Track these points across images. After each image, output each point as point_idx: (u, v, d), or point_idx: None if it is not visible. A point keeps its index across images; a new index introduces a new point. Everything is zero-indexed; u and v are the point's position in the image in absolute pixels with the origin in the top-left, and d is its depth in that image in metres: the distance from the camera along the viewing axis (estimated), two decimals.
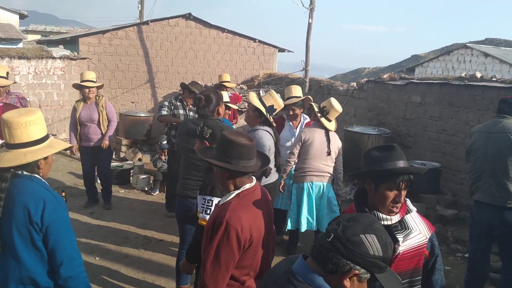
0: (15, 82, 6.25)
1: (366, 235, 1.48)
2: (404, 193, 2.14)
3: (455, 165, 7.04)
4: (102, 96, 6.26)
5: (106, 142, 6.19)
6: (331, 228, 1.53)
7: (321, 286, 1.50)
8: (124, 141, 9.78)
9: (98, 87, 6.19)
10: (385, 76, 8.69)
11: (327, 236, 1.51)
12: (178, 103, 6.25)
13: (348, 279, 1.49)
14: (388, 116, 8.37)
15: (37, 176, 2.31)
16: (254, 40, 12.44)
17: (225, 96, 5.61)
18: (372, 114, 8.76)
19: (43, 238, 2.21)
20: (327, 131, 4.92)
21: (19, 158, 2.22)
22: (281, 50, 13.03)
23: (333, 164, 5.02)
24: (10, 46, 11.59)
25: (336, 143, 5.00)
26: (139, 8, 16.31)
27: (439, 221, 6.24)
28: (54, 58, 9.97)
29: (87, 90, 6.01)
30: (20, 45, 16.56)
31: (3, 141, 2.34)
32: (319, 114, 4.90)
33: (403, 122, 8.04)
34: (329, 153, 4.89)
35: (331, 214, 4.89)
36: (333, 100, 4.98)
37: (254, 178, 2.56)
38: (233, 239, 2.28)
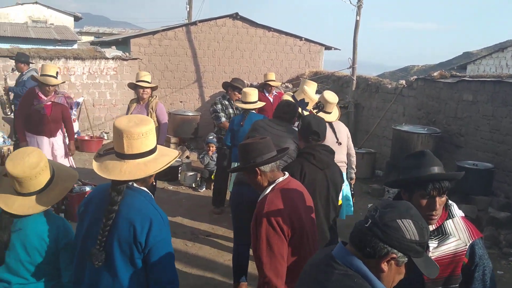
0: (64, 82, 6.45)
1: (402, 220, 1.53)
2: (440, 200, 2.07)
3: (509, 165, 6.77)
4: (155, 97, 6.10)
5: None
6: (369, 215, 1.58)
7: (359, 268, 1.56)
8: (173, 139, 10.03)
9: (152, 88, 6.03)
10: (435, 74, 8.47)
11: (365, 222, 1.57)
12: (227, 103, 6.41)
13: (385, 263, 1.54)
14: (438, 115, 8.15)
15: (145, 189, 2.20)
16: (300, 38, 12.40)
17: (255, 94, 5.68)
18: (422, 112, 8.56)
19: (143, 258, 2.10)
20: (329, 123, 4.92)
21: (141, 170, 2.10)
22: (328, 48, 12.91)
23: (346, 151, 5.04)
24: (65, 47, 12.14)
25: (342, 130, 5.02)
26: (188, 9, 16.61)
27: (491, 224, 6.03)
28: (107, 58, 10.36)
29: (141, 90, 5.86)
30: (75, 46, 17.28)
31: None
32: (315, 110, 4.92)
33: (454, 121, 7.81)
34: (339, 143, 4.92)
35: (347, 202, 4.97)
36: (326, 93, 5.02)
37: (286, 173, 2.68)
38: (277, 228, 2.40)
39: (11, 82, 8.23)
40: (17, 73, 7.83)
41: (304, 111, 4.60)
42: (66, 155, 6.13)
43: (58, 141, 6.04)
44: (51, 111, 5.84)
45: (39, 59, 9.46)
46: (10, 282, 2.24)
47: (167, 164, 2.17)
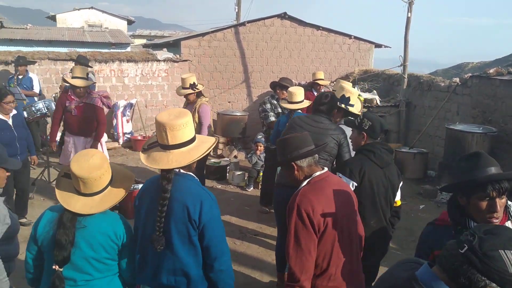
0: (94, 83, 6.48)
1: (506, 251, 1.36)
2: (500, 201, 1.99)
3: None
4: (202, 98, 6.04)
5: None
6: (465, 239, 1.43)
7: None
8: (221, 139, 10.16)
9: (193, 93, 5.96)
10: (491, 71, 8.12)
11: (459, 247, 1.41)
12: (276, 102, 6.44)
13: None
14: (494, 114, 7.81)
15: (191, 174, 2.41)
16: (349, 36, 12.25)
17: (301, 94, 5.51)
18: (477, 111, 8.23)
19: (198, 235, 2.31)
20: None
21: (186, 157, 2.30)
22: (378, 45, 12.68)
23: None
24: (119, 50, 12.57)
25: None
26: (236, 10, 16.78)
27: None
28: (158, 60, 10.64)
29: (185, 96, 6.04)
30: (128, 49, 17.85)
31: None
32: (343, 105, 4.55)
33: (511, 120, 7.46)
34: None
35: None
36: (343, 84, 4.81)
37: (325, 168, 2.67)
38: (307, 220, 2.39)
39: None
40: None
41: (348, 106, 4.47)
42: None
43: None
44: (82, 112, 5.98)
45: (95, 62, 9.85)
46: (76, 279, 2.32)
47: (207, 149, 2.37)
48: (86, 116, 6.01)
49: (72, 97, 5.97)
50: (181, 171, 2.36)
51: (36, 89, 8.12)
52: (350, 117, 4.01)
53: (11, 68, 8.87)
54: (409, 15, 10.00)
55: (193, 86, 5.90)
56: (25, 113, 7.61)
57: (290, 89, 5.64)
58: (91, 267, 2.32)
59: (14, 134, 5.25)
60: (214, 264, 2.33)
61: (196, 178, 2.43)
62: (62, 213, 2.29)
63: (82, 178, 2.25)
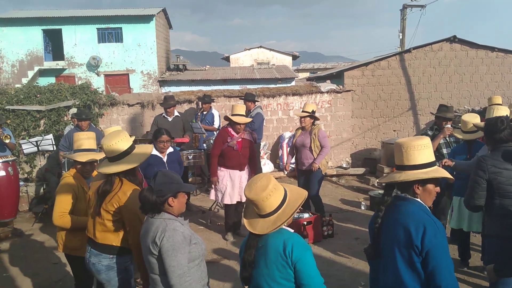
0: (251, 120, 6.82)
1: None
2: None
3: None
4: (318, 125, 6.70)
5: (315, 166, 6.46)
6: None
7: None
8: (386, 169, 9.89)
9: (312, 117, 6.62)
10: None
11: None
12: (436, 133, 6.03)
13: None
14: None
15: (418, 200, 2.46)
16: None
17: (477, 121, 5.11)
18: None
19: (422, 261, 2.31)
20: None
21: (420, 177, 2.41)
22: None
23: None
24: (285, 85, 13.23)
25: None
26: (400, 37, 16.45)
27: None
28: (322, 92, 10.92)
29: (302, 119, 6.67)
30: (293, 83, 18.72)
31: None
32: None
33: None
34: None
35: None
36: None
37: None
38: None
39: None
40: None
41: None
42: None
43: (245, 175, 6.41)
44: (242, 147, 6.28)
45: (263, 97, 10.55)
46: None
47: (440, 175, 2.44)
48: (245, 151, 6.34)
49: (232, 133, 6.28)
50: (407, 195, 2.46)
51: (216, 124, 8.97)
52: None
53: (193, 105, 10.04)
54: None
55: (313, 112, 6.62)
56: (204, 145, 8.50)
57: (464, 117, 5.27)
58: (267, 286, 2.44)
59: (166, 170, 5.70)
60: None
61: (425, 205, 2.44)
62: (248, 236, 2.56)
63: (252, 200, 2.46)
